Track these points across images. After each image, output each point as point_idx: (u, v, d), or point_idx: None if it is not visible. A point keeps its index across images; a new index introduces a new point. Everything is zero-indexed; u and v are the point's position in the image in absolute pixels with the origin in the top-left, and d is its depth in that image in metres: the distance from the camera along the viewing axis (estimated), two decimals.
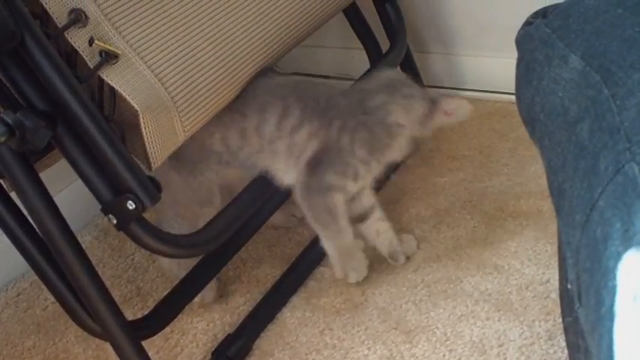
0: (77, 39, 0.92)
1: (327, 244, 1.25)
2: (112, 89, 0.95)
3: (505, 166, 1.54)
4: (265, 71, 1.19)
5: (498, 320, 1.17)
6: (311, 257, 1.34)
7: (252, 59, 1.15)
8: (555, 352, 1.09)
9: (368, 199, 1.28)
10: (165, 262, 1.33)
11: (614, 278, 0.52)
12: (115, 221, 0.96)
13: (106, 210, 0.96)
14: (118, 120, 1.00)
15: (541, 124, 0.76)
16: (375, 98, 1.20)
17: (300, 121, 1.16)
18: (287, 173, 1.20)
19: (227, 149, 1.18)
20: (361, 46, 1.73)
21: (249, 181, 1.20)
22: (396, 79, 1.26)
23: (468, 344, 1.14)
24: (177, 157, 1.13)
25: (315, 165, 1.17)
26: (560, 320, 0.99)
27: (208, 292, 1.30)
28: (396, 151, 1.23)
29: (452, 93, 1.83)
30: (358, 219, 1.28)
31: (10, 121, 0.85)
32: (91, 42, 0.92)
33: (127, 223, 0.97)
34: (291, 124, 1.16)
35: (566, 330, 0.89)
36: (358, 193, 1.24)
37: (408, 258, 1.34)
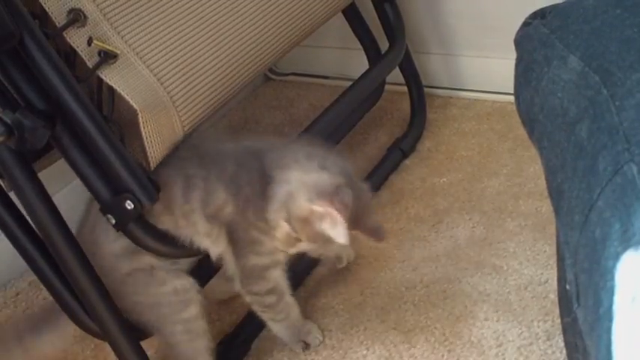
0: (76, 39, 0.92)
1: (277, 327, 1.17)
2: (111, 89, 0.95)
3: (504, 167, 1.54)
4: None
5: (497, 320, 1.17)
6: (310, 258, 1.34)
7: (251, 58, 1.15)
8: (554, 352, 1.09)
9: None
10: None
11: (613, 279, 0.52)
12: (113, 221, 0.96)
13: (104, 210, 0.96)
14: (116, 119, 1.00)
15: (540, 124, 0.76)
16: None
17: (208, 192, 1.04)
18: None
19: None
20: (360, 46, 1.73)
21: None
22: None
23: (467, 344, 1.14)
24: None
25: (235, 248, 1.07)
26: (559, 320, 1.00)
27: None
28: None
29: (451, 93, 1.84)
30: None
31: (8, 121, 0.85)
32: (89, 42, 0.92)
33: (125, 223, 0.97)
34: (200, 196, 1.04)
35: (564, 330, 0.89)
36: None
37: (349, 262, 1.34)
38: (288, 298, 1.15)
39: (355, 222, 1.00)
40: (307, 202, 0.97)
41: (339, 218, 0.95)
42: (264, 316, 1.15)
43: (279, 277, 1.11)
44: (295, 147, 1.09)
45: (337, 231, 0.96)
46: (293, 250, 1.04)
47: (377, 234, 1.05)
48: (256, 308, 1.14)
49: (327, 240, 0.99)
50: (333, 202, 0.96)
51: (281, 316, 1.16)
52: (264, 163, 1.05)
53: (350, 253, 1.33)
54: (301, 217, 0.98)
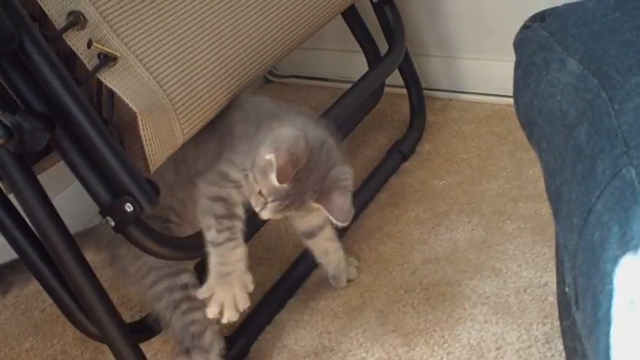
0: (76, 41, 0.92)
1: (212, 250, 1.05)
2: (111, 91, 0.95)
3: (503, 169, 1.54)
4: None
5: (496, 323, 1.17)
6: (309, 260, 1.34)
7: (251, 61, 1.15)
8: (553, 355, 1.09)
9: (316, 218, 1.22)
10: None
11: (612, 282, 0.52)
12: (113, 223, 0.96)
13: (104, 212, 0.96)
14: (116, 122, 1.00)
15: (539, 127, 0.76)
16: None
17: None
18: None
19: None
20: (360, 48, 1.73)
21: None
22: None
23: (466, 347, 1.14)
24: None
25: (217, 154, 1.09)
26: (558, 323, 1.00)
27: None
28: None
29: (450, 96, 1.84)
30: (306, 235, 1.25)
31: (8, 124, 0.85)
32: (89, 44, 0.92)
33: (125, 226, 0.97)
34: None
35: (563, 333, 0.89)
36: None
37: (349, 281, 1.32)
38: (239, 225, 1.05)
39: (320, 196, 1.02)
40: (265, 152, 0.98)
41: (274, 160, 0.95)
42: (205, 233, 1.05)
43: (235, 195, 1.06)
44: (295, 111, 1.14)
45: (272, 174, 0.96)
46: (258, 207, 1.02)
47: (339, 213, 1.02)
48: (202, 220, 1.06)
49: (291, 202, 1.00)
50: (280, 149, 0.96)
51: (222, 237, 1.04)
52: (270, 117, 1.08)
53: (350, 272, 1.33)
54: (261, 167, 1.00)
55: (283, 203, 1.00)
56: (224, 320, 1.04)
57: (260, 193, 1.01)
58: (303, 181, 1.00)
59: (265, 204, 1.01)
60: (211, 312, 1.03)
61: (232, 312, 1.04)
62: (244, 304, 1.05)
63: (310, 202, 1.02)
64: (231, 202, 1.06)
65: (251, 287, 1.05)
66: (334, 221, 1.03)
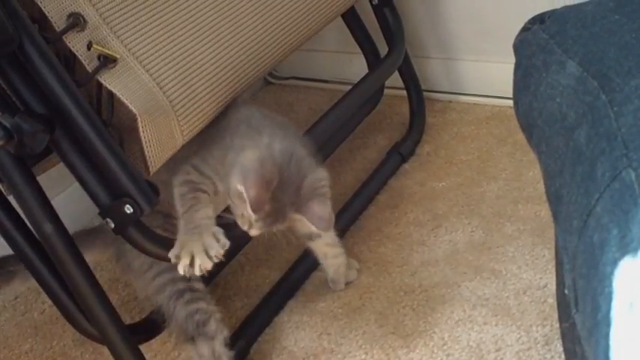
0: (75, 43, 0.91)
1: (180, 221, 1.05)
2: (111, 93, 0.95)
3: (503, 171, 1.54)
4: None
5: (495, 325, 1.17)
6: (309, 262, 1.34)
7: (251, 63, 1.15)
8: (552, 357, 1.09)
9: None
10: None
11: (611, 284, 0.52)
12: (112, 225, 0.96)
13: (103, 214, 0.96)
14: (116, 124, 1.00)
15: (539, 129, 0.76)
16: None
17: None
18: None
19: None
20: (359, 50, 1.73)
21: None
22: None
23: (466, 349, 1.14)
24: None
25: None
26: (558, 325, 1.00)
27: None
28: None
29: (450, 98, 1.84)
30: (307, 237, 1.24)
31: (8, 125, 0.85)
32: (89, 46, 0.92)
33: (124, 227, 0.97)
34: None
35: (563, 336, 0.89)
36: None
37: (349, 283, 1.33)
38: (204, 196, 1.06)
39: (298, 207, 1.02)
40: (236, 181, 1.00)
41: (244, 192, 0.97)
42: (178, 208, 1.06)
43: (198, 179, 1.07)
44: (269, 121, 1.13)
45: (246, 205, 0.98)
46: (245, 227, 1.03)
47: (319, 222, 1.03)
48: (178, 210, 1.06)
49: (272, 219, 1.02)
50: (246, 179, 0.97)
51: (187, 205, 1.05)
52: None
53: (350, 275, 1.33)
54: (236, 195, 1.01)
55: (267, 221, 1.01)
56: (196, 270, 0.98)
57: (243, 214, 1.02)
58: (279, 197, 1.01)
59: (251, 223, 1.02)
60: (182, 265, 0.98)
61: (203, 258, 0.98)
62: (216, 250, 0.99)
63: (291, 214, 1.03)
64: (196, 183, 1.07)
65: (223, 238, 1.01)
66: (315, 230, 1.04)
